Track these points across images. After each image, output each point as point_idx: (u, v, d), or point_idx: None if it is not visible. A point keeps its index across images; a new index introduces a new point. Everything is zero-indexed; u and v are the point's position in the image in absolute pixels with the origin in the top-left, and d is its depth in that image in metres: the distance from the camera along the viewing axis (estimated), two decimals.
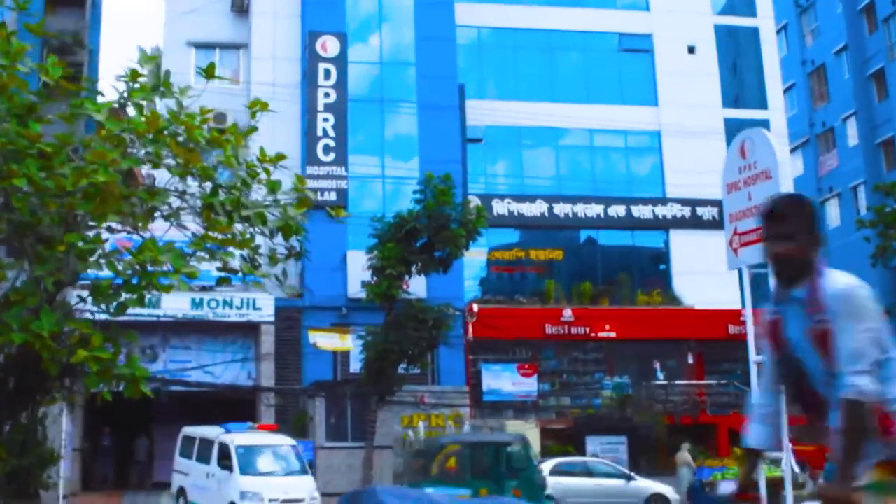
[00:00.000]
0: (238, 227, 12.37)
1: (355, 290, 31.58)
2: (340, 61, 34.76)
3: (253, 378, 32.13)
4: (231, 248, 12.30)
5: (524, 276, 37.51)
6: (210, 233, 12.08)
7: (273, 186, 13.13)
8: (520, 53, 38.80)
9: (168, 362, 32.27)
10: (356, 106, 34.82)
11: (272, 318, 31.79)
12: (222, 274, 12.40)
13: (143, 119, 11.18)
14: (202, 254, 11.33)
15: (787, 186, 16.68)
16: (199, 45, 36.56)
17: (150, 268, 11.05)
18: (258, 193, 13.25)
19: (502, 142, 37.49)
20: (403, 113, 35.38)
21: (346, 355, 32.52)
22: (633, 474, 29.23)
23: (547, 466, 27.08)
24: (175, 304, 31.00)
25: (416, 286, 31.79)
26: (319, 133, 34.11)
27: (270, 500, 23.24)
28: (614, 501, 27.89)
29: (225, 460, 24.29)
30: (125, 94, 11.59)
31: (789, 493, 13.93)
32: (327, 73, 34.61)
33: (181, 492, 26.08)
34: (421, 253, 28.81)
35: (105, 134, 11.05)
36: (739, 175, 15.64)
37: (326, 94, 34.44)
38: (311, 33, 34.87)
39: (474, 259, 35.50)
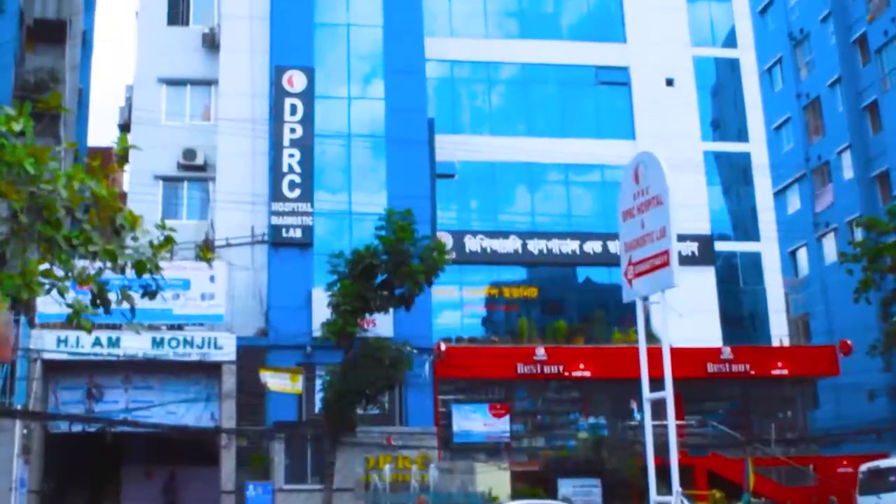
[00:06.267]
0: (82, 263, 11.78)
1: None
2: (307, 96, 34.30)
3: (216, 418, 31.51)
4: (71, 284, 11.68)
5: (497, 314, 36.75)
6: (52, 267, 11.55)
7: (132, 222, 12.44)
8: (494, 87, 38.30)
9: (130, 402, 31.72)
10: (323, 141, 34.33)
11: (234, 358, 31.19)
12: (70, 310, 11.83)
13: None
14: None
15: (679, 213, 15.84)
16: (170, 82, 36.24)
17: None
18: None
19: (475, 177, 36.82)
20: (371, 148, 34.87)
21: (310, 395, 31.89)
22: None
23: None
24: (136, 344, 30.54)
25: (384, 325, 31.22)
26: (285, 169, 33.59)
27: None
28: None
29: None
30: None
31: None
32: (293, 109, 34.14)
33: None
34: (380, 290, 28.25)
35: None
36: (634, 202, 14.95)
37: (293, 130, 33.96)
38: (277, 68, 34.45)
39: (445, 297, 34.86)
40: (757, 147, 39.23)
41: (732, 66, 40.34)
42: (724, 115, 40.29)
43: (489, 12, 38.88)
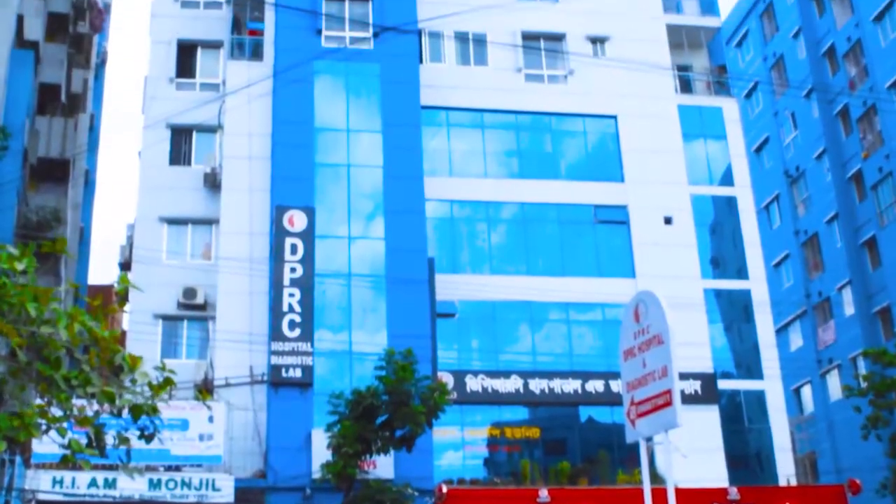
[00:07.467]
0: (80, 402, 11.68)
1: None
2: (308, 235, 34.45)
3: None
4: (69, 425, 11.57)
5: (499, 454, 36.20)
6: (48, 409, 11.48)
7: (131, 364, 12.36)
8: (494, 226, 38.41)
9: None
10: (323, 280, 34.34)
11: (232, 500, 30.62)
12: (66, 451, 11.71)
13: None
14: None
15: (681, 351, 15.66)
16: (171, 221, 36.42)
17: None
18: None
19: (476, 316, 36.64)
20: (372, 287, 34.85)
21: None
22: None
23: None
24: (133, 485, 29.98)
25: (384, 466, 30.78)
26: (285, 308, 33.51)
27: None
28: None
29: None
30: None
31: None
32: (294, 248, 34.25)
33: None
34: (381, 430, 27.99)
35: None
36: (634, 341, 14.83)
37: (293, 269, 34.01)
38: (278, 208, 34.69)
39: (446, 437, 34.40)
40: (757, 284, 39.16)
41: (730, 203, 40.57)
42: (723, 253, 40.38)
43: (488, 152, 39.29)
